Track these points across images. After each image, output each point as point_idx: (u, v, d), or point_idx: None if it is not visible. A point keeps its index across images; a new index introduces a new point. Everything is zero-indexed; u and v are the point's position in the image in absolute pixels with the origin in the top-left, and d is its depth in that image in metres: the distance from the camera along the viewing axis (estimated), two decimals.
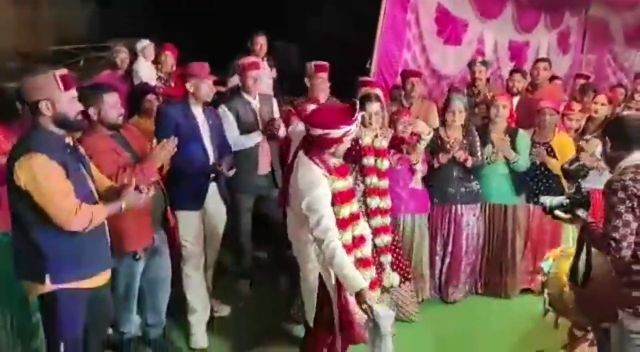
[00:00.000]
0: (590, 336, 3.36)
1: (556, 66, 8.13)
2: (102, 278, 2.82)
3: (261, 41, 5.47)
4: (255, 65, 4.16)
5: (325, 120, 2.83)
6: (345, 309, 3.01)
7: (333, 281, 2.97)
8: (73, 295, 2.67)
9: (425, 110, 4.93)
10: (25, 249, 2.62)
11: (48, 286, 2.61)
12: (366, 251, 3.19)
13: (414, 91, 5.02)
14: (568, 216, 2.81)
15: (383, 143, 3.77)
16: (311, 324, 3.13)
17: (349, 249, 2.95)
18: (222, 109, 4.03)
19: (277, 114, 4.30)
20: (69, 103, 2.59)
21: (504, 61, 7.33)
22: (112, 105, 3.10)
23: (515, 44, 7.54)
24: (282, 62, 5.95)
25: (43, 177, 2.46)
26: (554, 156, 4.30)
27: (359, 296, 2.74)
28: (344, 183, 2.99)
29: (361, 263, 3.10)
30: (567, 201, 2.82)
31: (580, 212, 2.77)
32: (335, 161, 2.97)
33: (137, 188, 2.84)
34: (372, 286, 3.19)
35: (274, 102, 4.33)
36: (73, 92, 2.63)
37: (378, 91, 4.36)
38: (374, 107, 3.72)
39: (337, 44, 6.23)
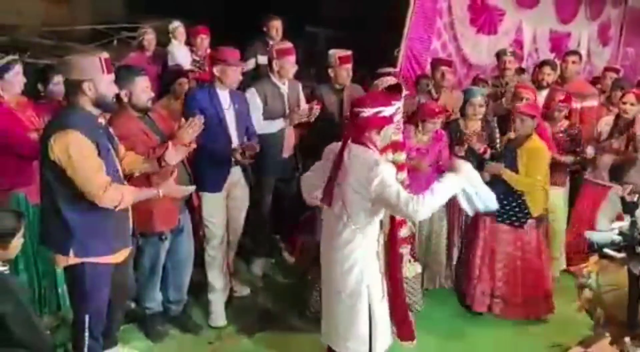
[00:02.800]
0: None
1: (597, 58, 7.96)
2: (124, 254, 2.91)
3: (277, 25, 5.34)
4: (292, 50, 4.12)
5: (377, 100, 2.86)
6: (400, 304, 2.96)
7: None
8: (97, 269, 2.77)
9: (456, 100, 4.83)
10: (53, 221, 2.72)
11: (72, 259, 2.72)
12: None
13: (444, 81, 4.92)
14: (622, 255, 2.44)
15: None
16: None
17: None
18: (251, 92, 4.02)
19: (302, 100, 4.32)
20: (108, 86, 2.70)
21: (544, 52, 7.06)
22: (143, 89, 3.16)
23: (556, 35, 7.29)
24: (310, 47, 5.89)
25: (76, 152, 2.56)
26: (515, 167, 3.87)
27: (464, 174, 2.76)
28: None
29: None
30: (620, 237, 2.43)
31: None
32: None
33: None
34: None
35: (300, 87, 4.34)
36: (112, 76, 2.74)
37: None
38: None
39: (365, 31, 6.16)
